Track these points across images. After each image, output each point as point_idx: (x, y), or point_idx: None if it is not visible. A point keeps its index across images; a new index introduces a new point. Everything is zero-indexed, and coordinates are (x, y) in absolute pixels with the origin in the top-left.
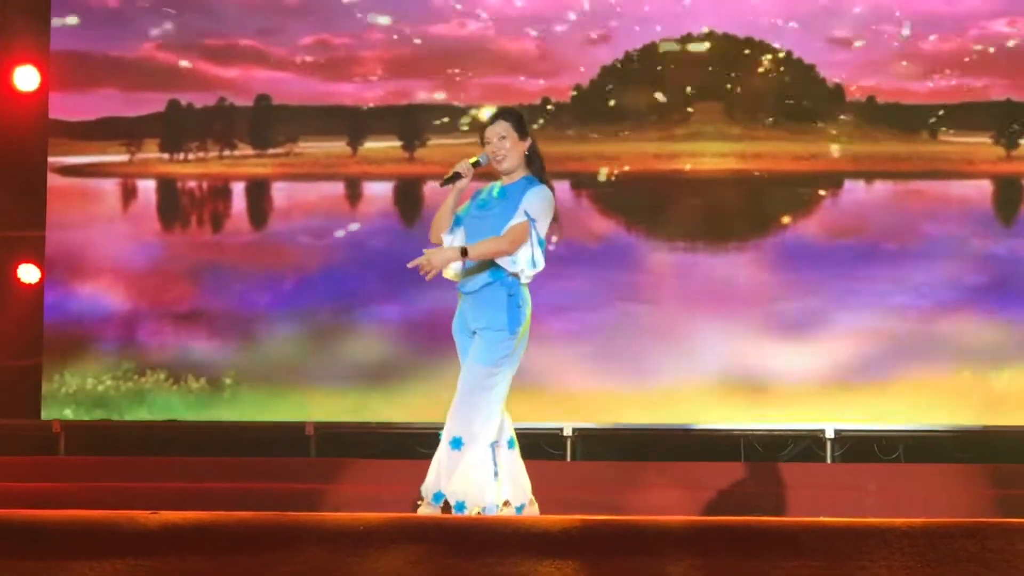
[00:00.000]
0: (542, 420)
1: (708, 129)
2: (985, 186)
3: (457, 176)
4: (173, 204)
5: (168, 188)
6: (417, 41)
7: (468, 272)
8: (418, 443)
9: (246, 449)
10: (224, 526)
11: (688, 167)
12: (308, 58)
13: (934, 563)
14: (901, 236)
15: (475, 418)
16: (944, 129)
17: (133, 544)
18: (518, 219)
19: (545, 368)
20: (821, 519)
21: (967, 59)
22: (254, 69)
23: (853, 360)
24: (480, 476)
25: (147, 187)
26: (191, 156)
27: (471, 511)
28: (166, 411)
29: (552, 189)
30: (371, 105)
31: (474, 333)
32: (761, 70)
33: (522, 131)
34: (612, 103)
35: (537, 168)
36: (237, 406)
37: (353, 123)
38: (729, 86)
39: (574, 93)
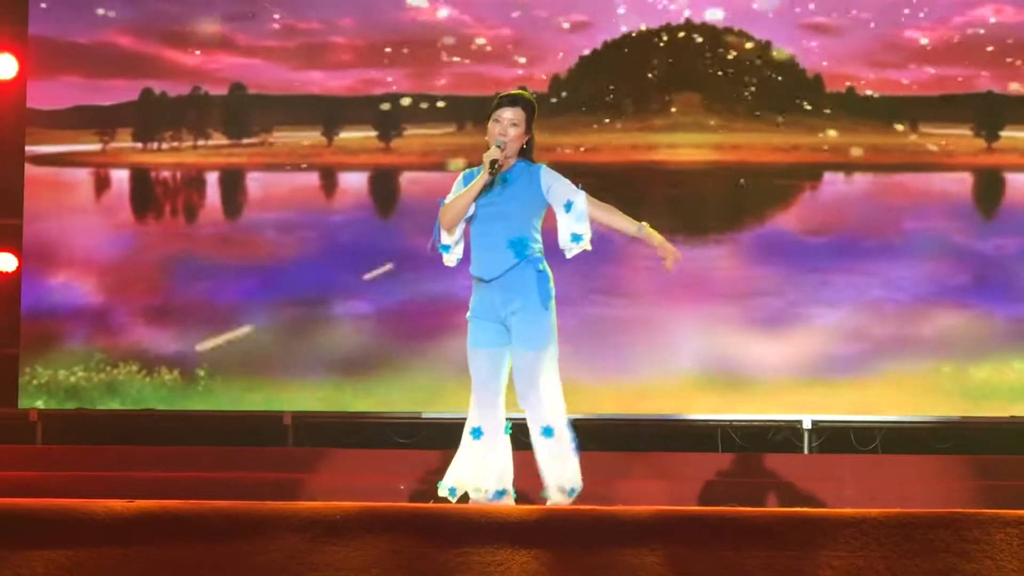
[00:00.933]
0: (521, 411)
1: (686, 120)
2: (966, 179)
3: (496, 162)
4: (146, 194)
5: (141, 178)
6: (394, 31)
7: (487, 258)
8: (396, 433)
9: (223, 439)
10: (201, 515)
11: (665, 158)
12: (283, 47)
13: (910, 553)
14: (881, 229)
15: (554, 402)
16: (924, 121)
17: (109, 533)
18: (576, 195)
19: None
20: (797, 509)
21: (948, 51)
22: (228, 58)
23: (831, 353)
24: (571, 458)
25: (120, 177)
26: (165, 145)
27: (553, 500)
28: (138, 403)
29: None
30: (347, 95)
31: (503, 319)
32: (740, 61)
33: (530, 124)
34: (589, 93)
35: (529, 156)
36: (210, 398)
37: (328, 113)
38: (707, 77)
39: (551, 83)
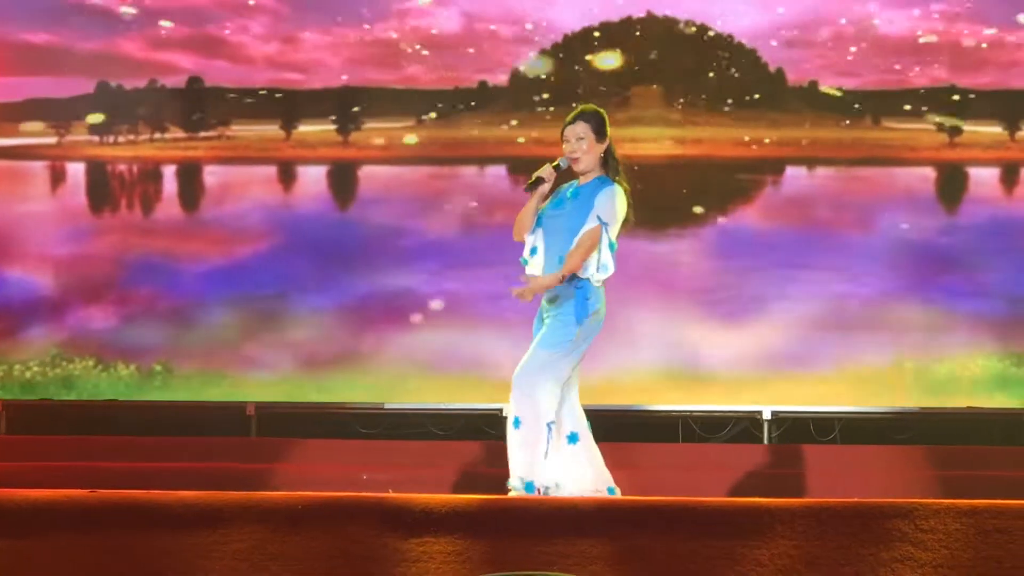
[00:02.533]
0: (482, 402)
1: (648, 114)
2: (928, 173)
3: (540, 180)
4: (103, 187)
5: (98, 171)
6: (353, 23)
7: (544, 267)
8: (358, 423)
9: (187, 429)
10: (163, 505)
11: (627, 152)
12: (242, 40)
13: (867, 542)
14: (843, 223)
15: (536, 399)
16: (887, 115)
17: (72, 522)
18: (590, 224)
19: (483, 354)
20: (756, 499)
21: (910, 45)
22: (186, 51)
23: (793, 346)
24: (533, 453)
25: (76, 170)
26: (121, 138)
27: (516, 492)
28: (95, 397)
29: (626, 189)
30: (305, 88)
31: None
32: (702, 54)
33: (600, 133)
34: (550, 87)
35: (612, 169)
36: (167, 393)
37: (287, 106)
38: (668, 70)
39: (511, 77)
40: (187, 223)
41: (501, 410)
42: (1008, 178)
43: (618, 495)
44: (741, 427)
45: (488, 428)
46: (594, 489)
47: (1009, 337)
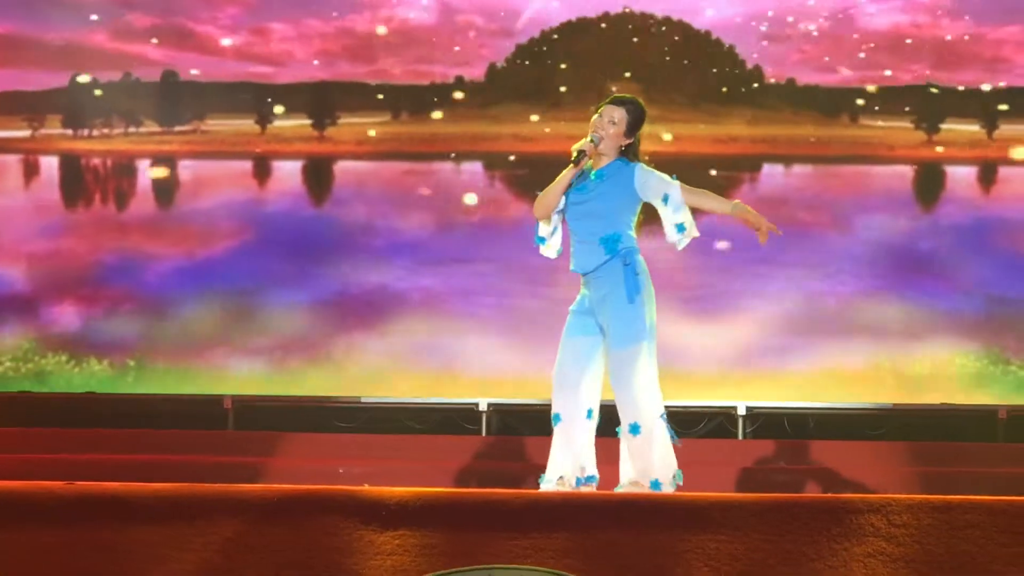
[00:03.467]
0: (458, 396)
1: None
2: (906, 171)
3: (583, 154)
4: (76, 181)
5: (71, 165)
6: (328, 18)
7: (581, 252)
8: (336, 417)
9: (164, 422)
10: (140, 497)
11: None
12: (217, 34)
13: (840, 537)
14: (820, 221)
15: (639, 399)
16: (865, 113)
17: (49, 515)
18: (671, 187)
19: (460, 350)
20: (729, 494)
21: (888, 42)
22: (161, 44)
23: (769, 343)
24: (666, 449)
25: (50, 164)
26: (95, 132)
27: (666, 487)
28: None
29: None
30: (280, 82)
31: (596, 313)
32: (679, 50)
33: (632, 128)
34: (527, 83)
35: (632, 156)
36: (141, 389)
37: (262, 100)
38: (646, 66)
39: (488, 72)
40: (161, 217)
41: (477, 404)
42: (986, 176)
43: (679, 484)
44: (716, 423)
45: (464, 423)
46: (665, 476)
47: (986, 336)
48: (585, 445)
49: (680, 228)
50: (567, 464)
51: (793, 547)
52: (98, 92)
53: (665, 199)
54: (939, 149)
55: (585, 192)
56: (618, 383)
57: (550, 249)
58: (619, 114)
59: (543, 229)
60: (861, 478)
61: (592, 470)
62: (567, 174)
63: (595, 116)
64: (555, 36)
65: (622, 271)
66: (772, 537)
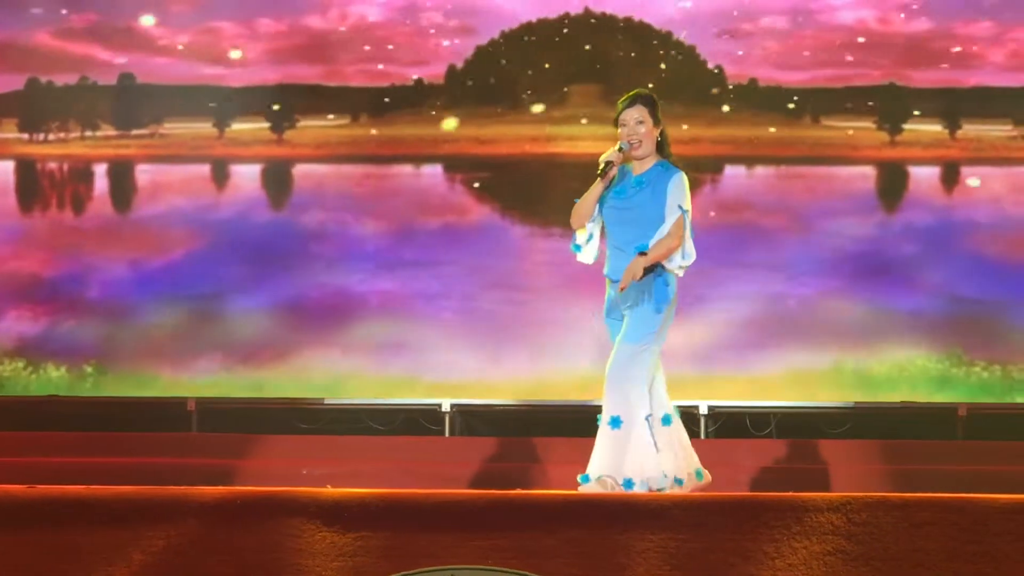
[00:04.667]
0: (421, 397)
1: (585, 112)
2: (868, 172)
3: (610, 165)
4: (32, 186)
5: (27, 169)
6: (287, 21)
7: (616, 259)
8: (299, 419)
9: (127, 425)
10: (101, 500)
11: (564, 151)
12: (175, 37)
13: (800, 535)
14: (782, 222)
15: (629, 395)
16: (827, 114)
17: (9, 518)
18: (672, 214)
19: (422, 352)
20: (691, 493)
21: (850, 43)
22: (118, 47)
23: (731, 345)
24: (643, 450)
25: (5, 168)
26: (51, 136)
27: (639, 487)
28: None
29: (686, 172)
30: (239, 85)
31: (623, 316)
32: (640, 51)
33: (656, 117)
34: (487, 85)
35: (667, 152)
36: (101, 394)
37: (220, 104)
38: (607, 68)
39: (448, 74)
40: (119, 222)
41: (440, 405)
42: (948, 177)
43: (707, 478)
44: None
45: (427, 423)
46: (687, 470)
47: (949, 337)
48: (644, 448)
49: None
50: (620, 467)
51: (754, 545)
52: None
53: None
54: (902, 150)
55: (625, 198)
56: (615, 374)
57: (586, 255)
58: (640, 112)
59: (579, 237)
60: (822, 476)
61: (652, 475)
62: (598, 186)
63: (620, 129)
64: (515, 37)
65: (652, 281)
66: (733, 536)
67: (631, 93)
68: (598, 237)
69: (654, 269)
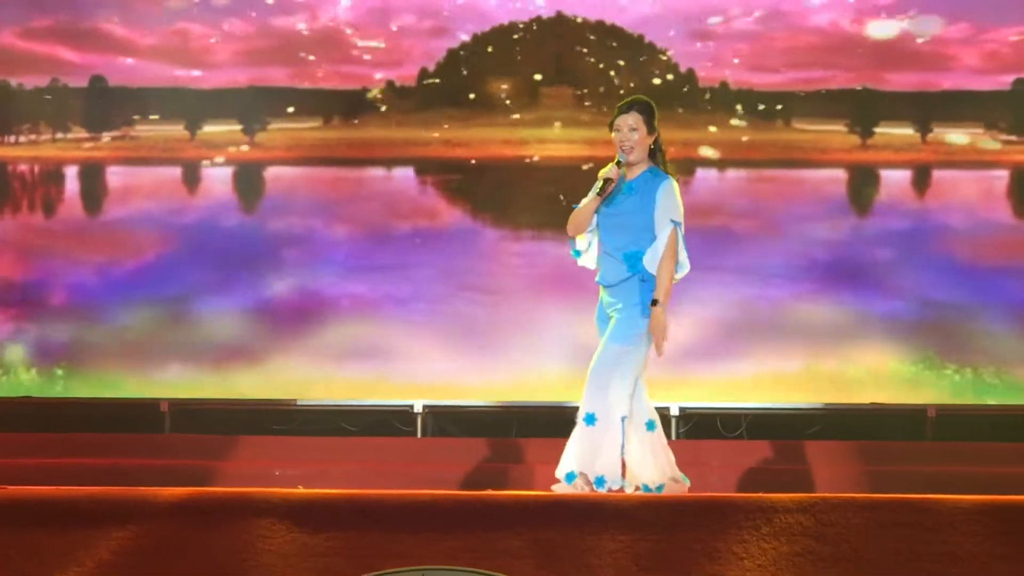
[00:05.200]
0: (393, 397)
1: (558, 115)
2: (840, 175)
3: (609, 182)
4: (3, 188)
5: None
6: (258, 23)
7: (606, 266)
8: (271, 420)
9: (100, 426)
10: (72, 501)
11: (537, 153)
12: (147, 39)
13: (769, 536)
14: (753, 224)
15: (608, 394)
16: (798, 117)
17: None
18: (664, 229)
19: (394, 354)
20: (661, 495)
21: (821, 47)
22: (89, 49)
23: (702, 348)
24: (614, 451)
25: None
26: (22, 138)
27: (611, 486)
28: None
29: (678, 179)
30: (210, 87)
31: (611, 318)
32: (612, 55)
33: (651, 124)
34: (459, 87)
35: (660, 159)
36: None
37: (191, 106)
38: (579, 71)
39: (420, 77)
40: (90, 224)
41: (412, 406)
42: (920, 180)
43: (688, 484)
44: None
45: (399, 424)
46: (671, 476)
47: (921, 340)
48: (612, 449)
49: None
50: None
51: (723, 546)
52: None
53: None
54: (873, 153)
55: (615, 204)
56: (597, 372)
57: (587, 260)
58: (634, 119)
59: (579, 243)
60: (792, 477)
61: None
62: (593, 202)
63: (613, 134)
64: (487, 40)
65: (638, 286)
66: (702, 536)
67: (628, 99)
68: (596, 243)
69: (639, 273)
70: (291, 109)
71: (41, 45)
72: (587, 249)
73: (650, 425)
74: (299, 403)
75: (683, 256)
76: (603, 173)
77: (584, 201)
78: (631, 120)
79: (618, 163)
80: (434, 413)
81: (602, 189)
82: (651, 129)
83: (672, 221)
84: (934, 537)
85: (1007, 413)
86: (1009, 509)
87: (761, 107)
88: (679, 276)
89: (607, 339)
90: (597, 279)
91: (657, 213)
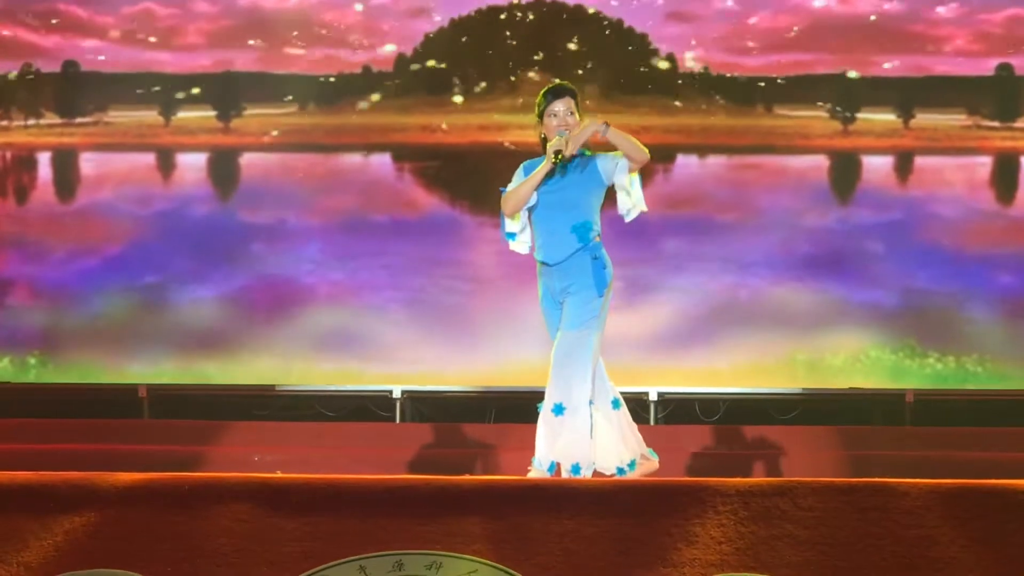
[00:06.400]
0: (372, 383)
1: (536, 100)
2: (821, 161)
3: (560, 153)
4: None
5: None
6: (236, 8)
7: (552, 243)
8: (250, 405)
9: (78, 411)
10: (49, 486)
11: (516, 139)
12: (120, 24)
13: (747, 520)
14: (734, 211)
15: (572, 382)
16: (780, 103)
17: None
18: (619, 164)
19: (372, 340)
20: (638, 478)
21: (802, 31)
22: (62, 34)
23: (682, 337)
24: (586, 438)
25: None
26: None
27: (586, 474)
28: None
29: None
30: (185, 72)
31: (562, 302)
32: (592, 40)
33: (579, 108)
34: (436, 73)
35: (585, 146)
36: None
37: (166, 92)
38: (558, 56)
39: (397, 63)
40: (63, 211)
41: (391, 392)
42: (902, 166)
43: (656, 459)
44: (628, 407)
45: (378, 410)
46: (640, 452)
47: (902, 328)
48: (631, 427)
49: (628, 193)
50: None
51: (702, 531)
52: None
53: (619, 167)
54: (855, 139)
55: (553, 183)
56: (558, 362)
57: (521, 244)
58: (568, 104)
59: (512, 225)
60: (770, 462)
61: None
62: (542, 171)
63: (546, 119)
64: (465, 24)
65: (591, 264)
66: (680, 521)
67: (554, 85)
68: (528, 226)
69: (588, 249)
70: (266, 95)
71: (12, 30)
72: (521, 232)
73: (615, 403)
74: (278, 388)
75: (638, 194)
76: (553, 146)
77: (523, 181)
78: (566, 105)
79: (562, 136)
80: (412, 399)
81: (559, 158)
82: (580, 113)
83: (620, 158)
84: (912, 521)
85: (985, 398)
86: (986, 493)
87: (742, 93)
88: (635, 213)
89: (564, 327)
90: (540, 259)
91: (610, 163)
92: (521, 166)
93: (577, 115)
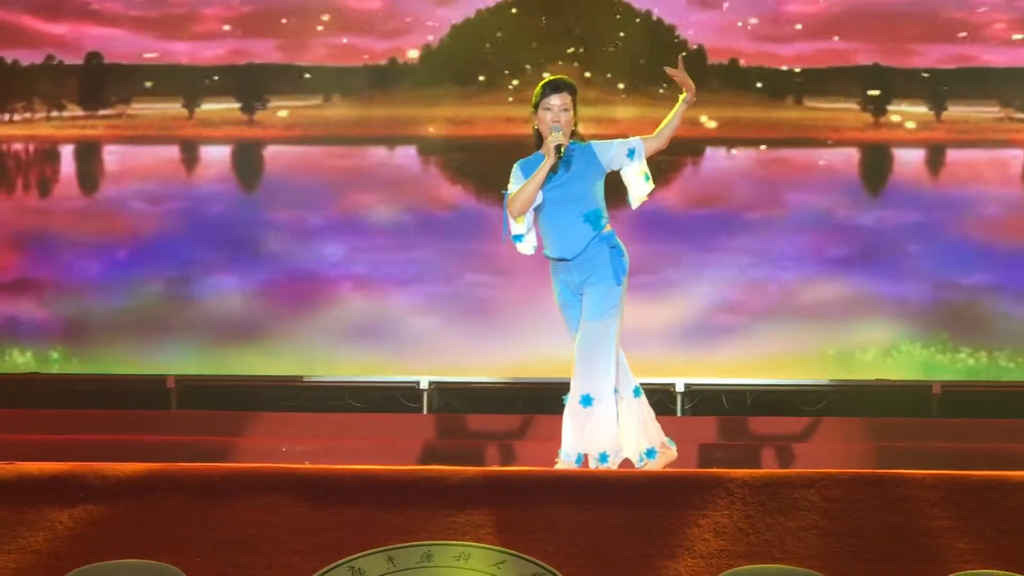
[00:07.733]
0: (400, 374)
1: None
2: (852, 154)
3: (561, 147)
4: None
5: None
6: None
7: (566, 237)
8: (279, 396)
9: (106, 402)
10: (80, 477)
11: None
12: (143, 14)
13: (775, 511)
14: (764, 205)
15: (596, 372)
16: (810, 95)
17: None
18: (635, 147)
19: (398, 332)
20: (667, 470)
21: (833, 22)
22: (85, 25)
23: (711, 331)
24: (613, 427)
25: None
26: (16, 117)
27: (614, 463)
28: None
29: None
30: (209, 64)
31: (582, 293)
32: (620, 31)
33: (576, 105)
34: (461, 64)
35: (579, 137)
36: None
37: (189, 83)
38: (586, 48)
39: (422, 54)
40: (86, 204)
41: (418, 383)
42: (934, 159)
43: (675, 447)
44: (654, 400)
45: (406, 401)
46: (660, 441)
47: (933, 323)
48: (651, 415)
49: (647, 177)
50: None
51: (728, 521)
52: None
53: (631, 153)
54: (886, 131)
55: (555, 180)
56: (583, 353)
57: (527, 245)
58: (565, 100)
59: (518, 227)
60: (797, 454)
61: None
62: (545, 168)
63: (541, 112)
64: (491, 16)
65: (608, 254)
66: (707, 512)
67: (554, 78)
68: (534, 226)
69: (606, 239)
70: (290, 86)
71: (36, 21)
72: (527, 232)
73: (636, 391)
74: (306, 379)
75: (647, 170)
76: (553, 141)
77: (526, 180)
78: (566, 101)
79: (558, 131)
80: (440, 389)
81: (561, 150)
82: (575, 110)
83: (628, 140)
84: (940, 512)
85: (1014, 390)
86: (1014, 486)
87: (771, 85)
88: (647, 193)
89: (586, 318)
90: (556, 256)
91: (615, 150)
92: (517, 166)
93: (573, 112)
